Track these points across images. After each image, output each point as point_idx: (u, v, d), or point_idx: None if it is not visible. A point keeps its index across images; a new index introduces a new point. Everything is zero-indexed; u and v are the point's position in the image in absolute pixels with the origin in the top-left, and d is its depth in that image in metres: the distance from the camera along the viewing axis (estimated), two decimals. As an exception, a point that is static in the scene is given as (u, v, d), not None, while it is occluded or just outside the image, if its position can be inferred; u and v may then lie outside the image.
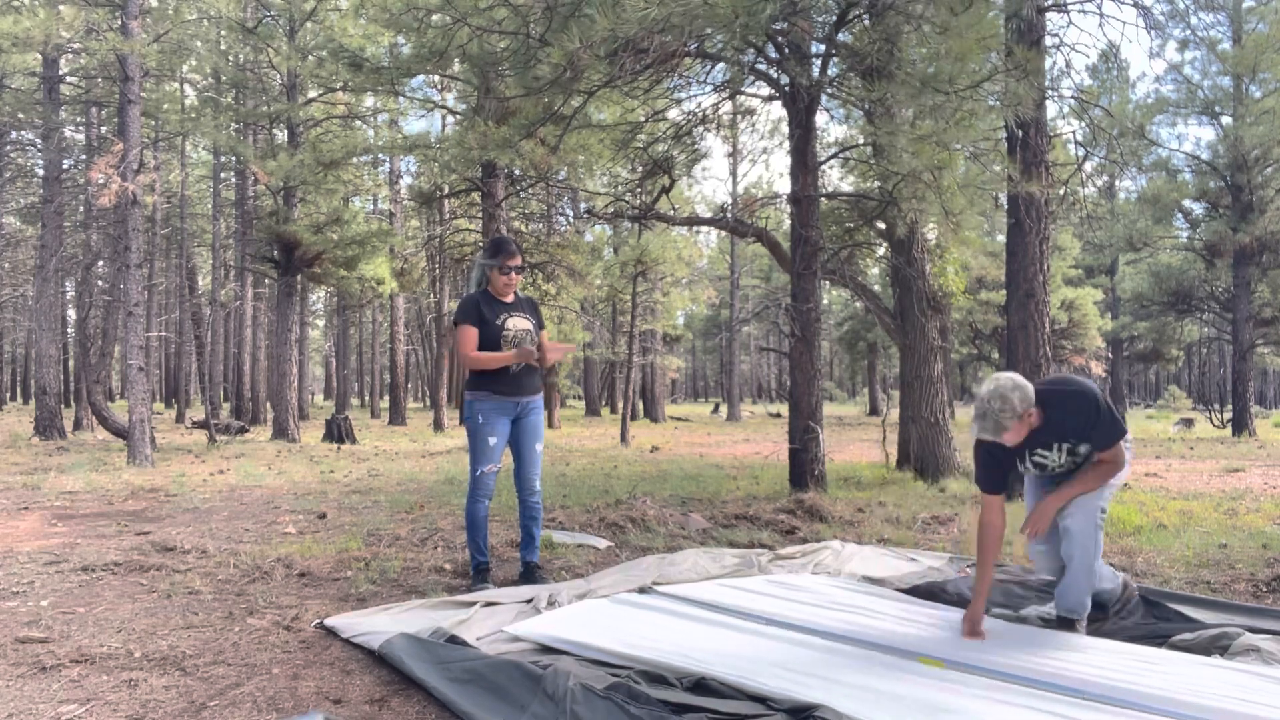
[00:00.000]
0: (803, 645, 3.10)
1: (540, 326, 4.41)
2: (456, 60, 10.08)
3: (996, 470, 3.40)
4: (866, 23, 7.07)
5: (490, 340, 4.19)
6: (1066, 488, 3.37)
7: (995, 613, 3.61)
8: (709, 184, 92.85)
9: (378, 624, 3.40)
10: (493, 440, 4.23)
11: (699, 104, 10.15)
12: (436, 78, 17.84)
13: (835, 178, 13.18)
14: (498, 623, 3.45)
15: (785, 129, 15.78)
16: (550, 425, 23.32)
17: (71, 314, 29.23)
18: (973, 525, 4.22)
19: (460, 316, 4.21)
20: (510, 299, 4.33)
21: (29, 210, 25.00)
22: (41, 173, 19.37)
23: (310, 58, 16.58)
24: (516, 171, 14.86)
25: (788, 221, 8.91)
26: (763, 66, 7.87)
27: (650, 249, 23.82)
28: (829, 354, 54.28)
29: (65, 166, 18.47)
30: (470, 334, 4.18)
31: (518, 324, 4.28)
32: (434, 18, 7.80)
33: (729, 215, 9.95)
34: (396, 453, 13.05)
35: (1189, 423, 21.18)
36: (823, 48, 7.71)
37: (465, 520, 4.34)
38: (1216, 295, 22.50)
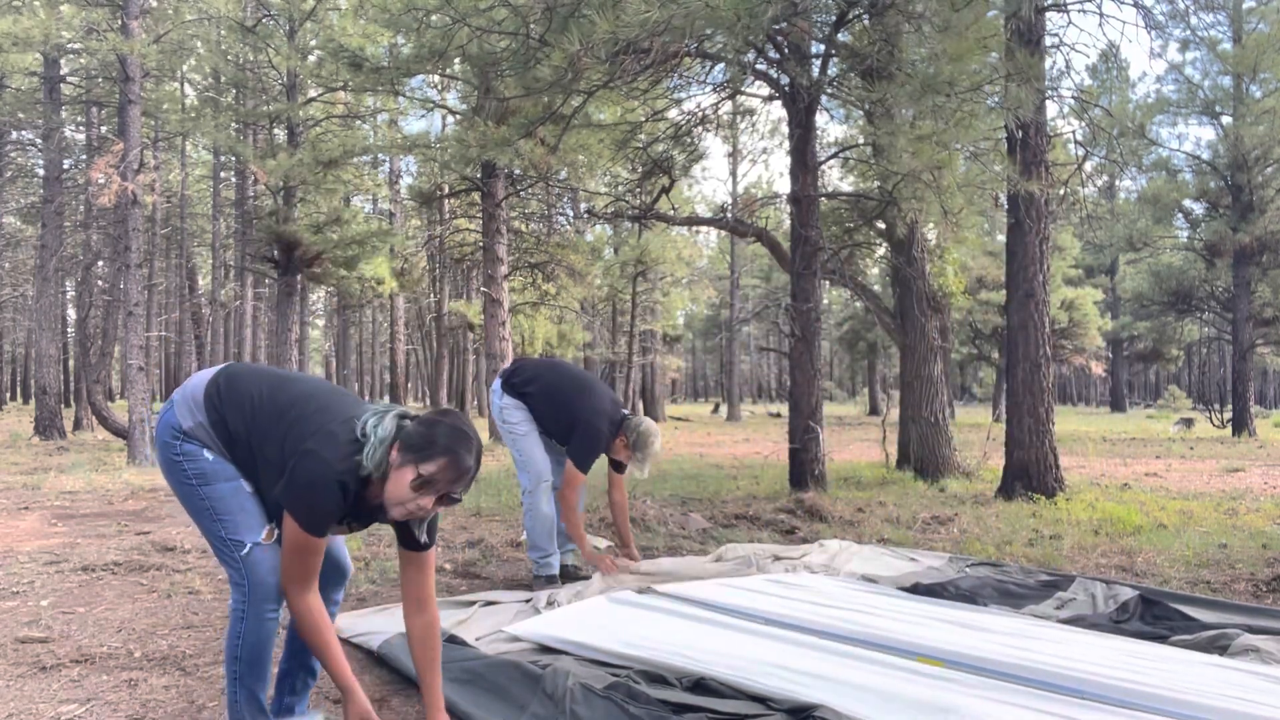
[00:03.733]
0: (803, 645, 3.10)
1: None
2: (456, 60, 10.09)
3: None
4: (866, 23, 7.08)
5: None
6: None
7: (995, 612, 3.62)
8: (709, 184, 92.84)
9: (377, 624, 3.40)
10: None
11: (699, 104, 10.13)
12: (436, 78, 17.85)
13: (835, 178, 13.20)
14: (497, 623, 3.45)
15: (785, 129, 15.76)
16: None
17: (71, 314, 29.25)
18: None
19: (310, 511, 2.17)
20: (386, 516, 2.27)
21: (29, 210, 25.00)
22: (41, 173, 19.38)
23: (310, 57, 16.58)
24: (516, 171, 14.85)
25: (788, 221, 8.92)
26: (763, 67, 7.88)
27: (650, 249, 23.80)
28: (829, 354, 54.27)
29: (65, 166, 18.47)
30: (312, 548, 2.25)
31: None
32: (434, 18, 7.79)
33: (729, 215, 9.97)
34: (396, 453, 13.03)
35: (1189, 422, 21.15)
36: (822, 48, 7.72)
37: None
38: (1216, 295, 22.49)
